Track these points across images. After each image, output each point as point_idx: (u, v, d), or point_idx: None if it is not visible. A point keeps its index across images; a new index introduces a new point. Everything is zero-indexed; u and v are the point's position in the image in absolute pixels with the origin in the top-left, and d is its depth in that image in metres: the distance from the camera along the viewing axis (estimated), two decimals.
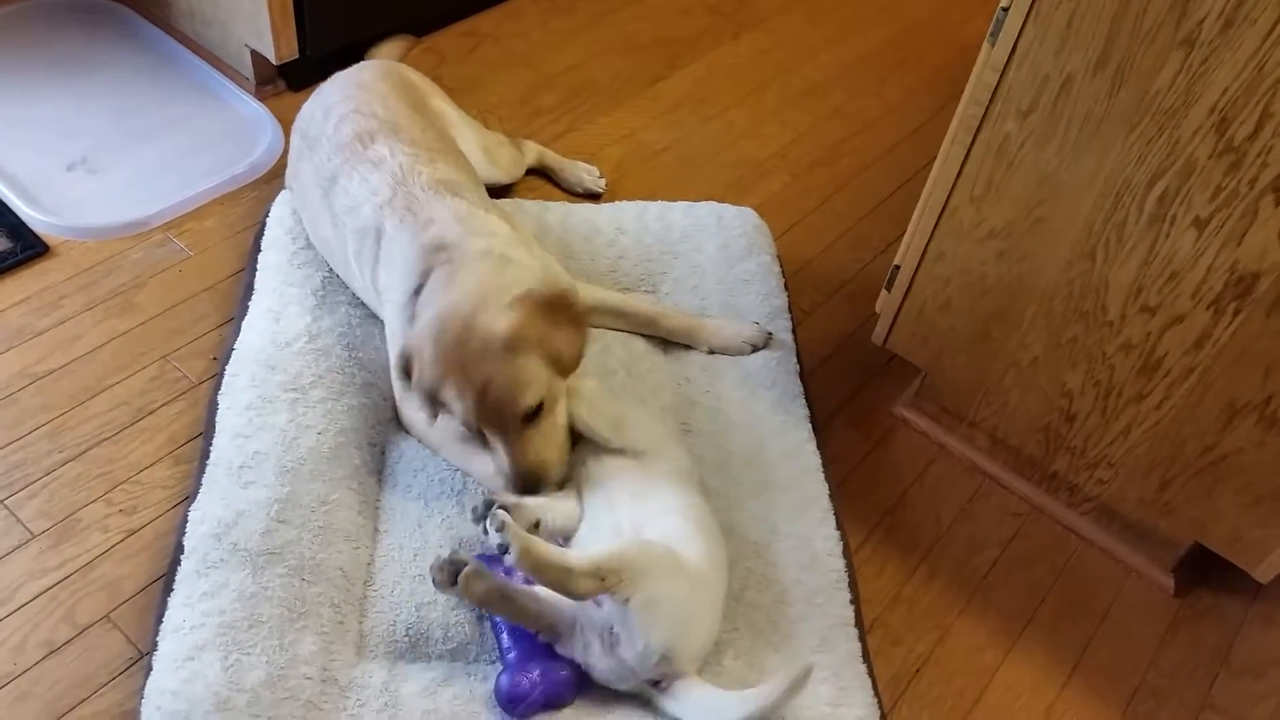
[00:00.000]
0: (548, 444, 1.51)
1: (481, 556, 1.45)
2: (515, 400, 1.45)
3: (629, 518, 1.44)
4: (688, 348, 1.86)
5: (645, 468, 1.52)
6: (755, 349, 1.84)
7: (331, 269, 1.83)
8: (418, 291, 1.54)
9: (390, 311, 1.61)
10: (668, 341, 1.87)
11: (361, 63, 1.94)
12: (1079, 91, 1.40)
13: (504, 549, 1.27)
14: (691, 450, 1.66)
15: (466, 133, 1.97)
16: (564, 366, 1.51)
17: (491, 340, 1.43)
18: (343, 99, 1.82)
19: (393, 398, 1.70)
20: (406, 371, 1.51)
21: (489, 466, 1.55)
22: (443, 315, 1.47)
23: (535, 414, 1.47)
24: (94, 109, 2.21)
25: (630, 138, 2.40)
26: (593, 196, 2.21)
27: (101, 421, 1.68)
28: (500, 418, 1.46)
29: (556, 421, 1.52)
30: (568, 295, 1.53)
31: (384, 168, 1.68)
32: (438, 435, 1.62)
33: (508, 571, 1.43)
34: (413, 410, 1.63)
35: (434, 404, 1.50)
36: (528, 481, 1.49)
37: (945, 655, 1.58)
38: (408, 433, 1.67)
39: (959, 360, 1.74)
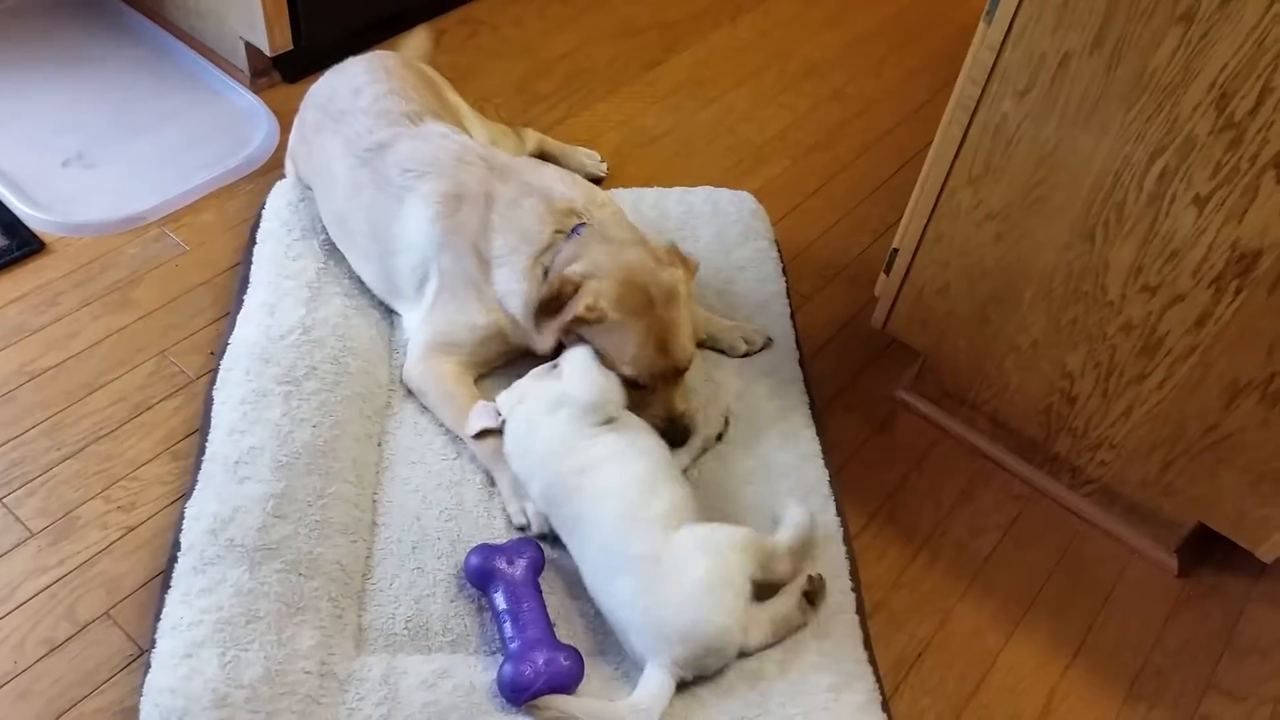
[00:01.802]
0: (687, 397, 1.63)
1: (484, 546, 1.45)
2: (688, 347, 1.58)
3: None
4: None
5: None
6: (749, 350, 1.82)
7: (326, 262, 1.82)
8: (544, 250, 1.61)
9: (508, 270, 1.64)
10: None
11: (378, 50, 1.94)
12: (1076, 70, 1.38)
13: None
14: None
15: (476, 126, 1.98)
16: (696, 323, 1.66)
17: (673, 291, 1.56)
18: (373, 79, 1.83)
19: (386, 385, 1.70)
20: (552, 303, 1.54)
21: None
22: (622, 263, 1.56)
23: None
24: (88, 104, 2.21)
25: (628, 123, 2.38)
26: (595, 181, 2.20)
27: (99, 418, 1.68)
28: (668, 363, 1.56)
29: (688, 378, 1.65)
30: (682, 253, 1.68)
31: (450, 140, 1.73)
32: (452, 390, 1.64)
33: (509, 561, 1.43)
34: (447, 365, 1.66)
35: (575, 333, 1.56)
36: (684, 429, 1.60)
37: (947, 639, 1.58)
38: (419, 400, 1.68)
39: (959, 343, 1.72)
